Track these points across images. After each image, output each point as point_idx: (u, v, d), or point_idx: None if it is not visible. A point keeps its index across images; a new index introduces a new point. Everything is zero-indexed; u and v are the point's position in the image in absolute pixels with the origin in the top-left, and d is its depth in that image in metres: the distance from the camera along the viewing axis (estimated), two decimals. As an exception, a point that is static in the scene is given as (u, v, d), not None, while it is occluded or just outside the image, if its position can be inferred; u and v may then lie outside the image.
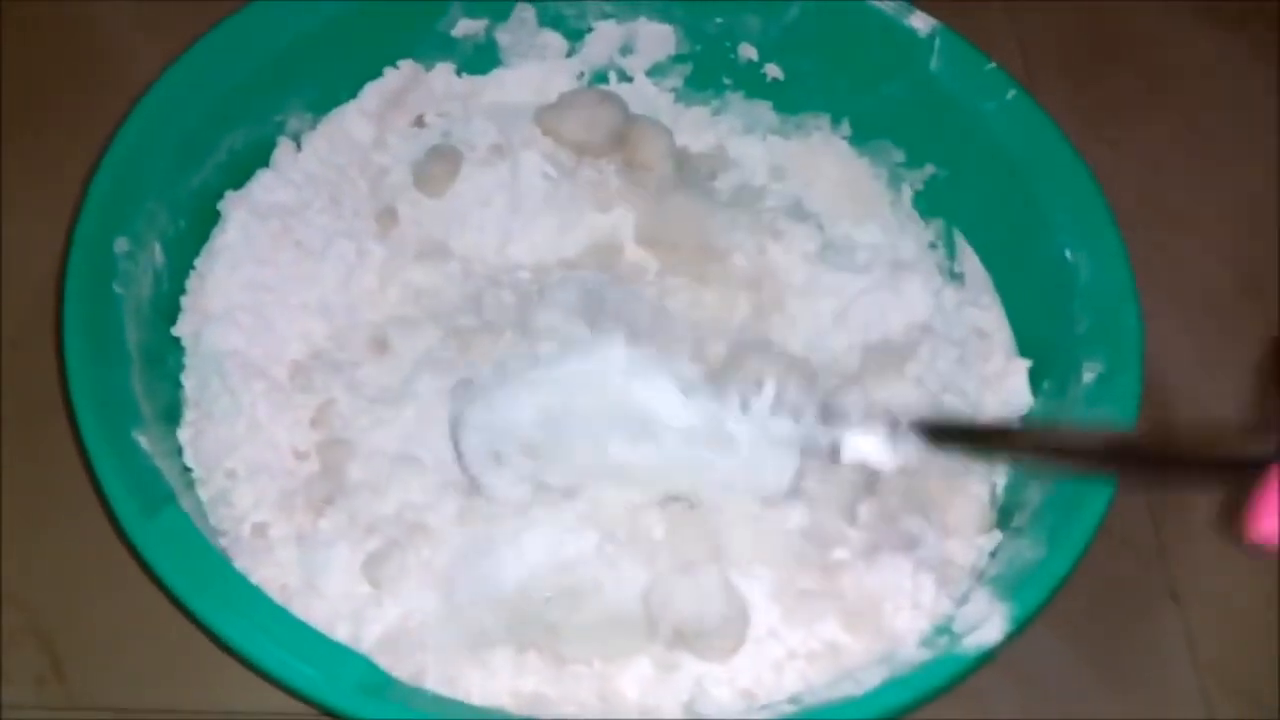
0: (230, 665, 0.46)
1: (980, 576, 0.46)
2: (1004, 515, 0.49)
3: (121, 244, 0.48)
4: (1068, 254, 0.52)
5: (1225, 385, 0.60)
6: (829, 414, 0.43)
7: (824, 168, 0.62)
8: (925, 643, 0.43)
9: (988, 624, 0.41)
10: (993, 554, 0.48)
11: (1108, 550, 0.53)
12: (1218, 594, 0.54)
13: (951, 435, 0.42)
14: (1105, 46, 0.72)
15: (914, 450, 0.41)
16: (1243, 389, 0.59)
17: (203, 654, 0.47)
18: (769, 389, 0.44)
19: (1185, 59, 0.72)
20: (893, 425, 0.41)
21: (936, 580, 0.46)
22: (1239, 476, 0.33)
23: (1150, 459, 0.38)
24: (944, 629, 0.43)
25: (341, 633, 0.43)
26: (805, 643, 0.44)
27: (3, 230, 0.60)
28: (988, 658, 0.41)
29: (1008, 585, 0.43)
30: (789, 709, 0.41)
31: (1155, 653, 0.52)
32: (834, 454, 0.43)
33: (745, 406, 0.44)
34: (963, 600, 0.44)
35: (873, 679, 0.41)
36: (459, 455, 0.46)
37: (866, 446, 0.42)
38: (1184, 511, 0.56)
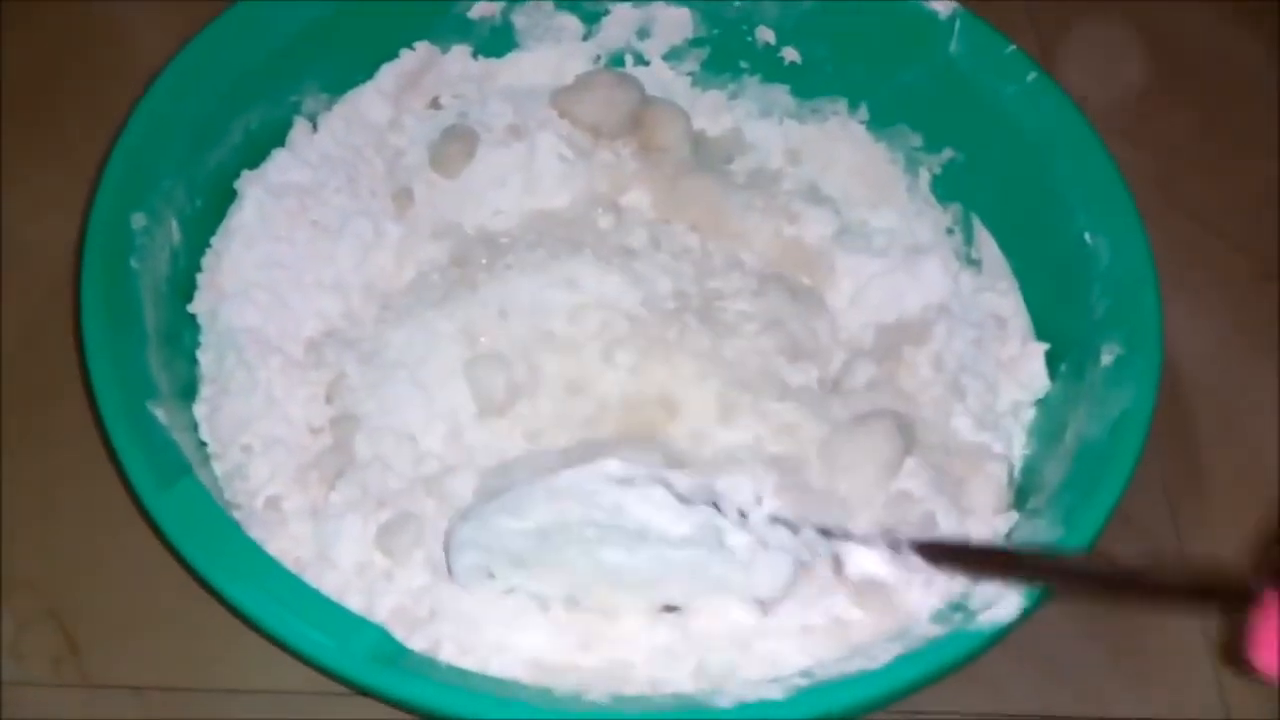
0: (245, 643, 0.47)
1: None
2: (1021, 496, 0.49)
3: (139, 220, 0.48)
4: (1087, 237, 0.52)
5: (1240, 372, 0.60)
6: (827, 530, 0.42)
7: (841, 152, 0.62)
8: (938, 619, 0.43)
9: (1003, 602, 0.41)
10: (1009, 534, 0.47)
11: (1127, 543, 0.53)
12: None
13: (949, 556, 0.41)
14: (1124, 38, 0.72)
15: (918, 564, 0.41)
16: (1258, 376, 0.59)
17: (217, 633, 0.48)
18: (768, 503, 0.43)
19: (1202, 50, 0.72)
20: (894, 544, 0.41)
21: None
22: (1233, 605, 0.33)
23: (1142, 589, 0.38)
24: (958, 606, 0.43)
25: (355, 603, 0.43)
26: (816, 618, 0.44)
27: (18, 210, 0.60)
28: (1001, 635, 0.41)
29: (1024, 564, 0.43)
30: (801, 682, 0.40)
31: (1173, 648, 0.52)
32: (836, 566, 0.43)
33: (743, 517, 0.43)
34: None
35: (885, 654, 0.41)
36: (449, 569, 0.44)
37: (869, 563, 0.42)
38: (1203, 505, 0.56)
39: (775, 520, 0.42)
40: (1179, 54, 0.72)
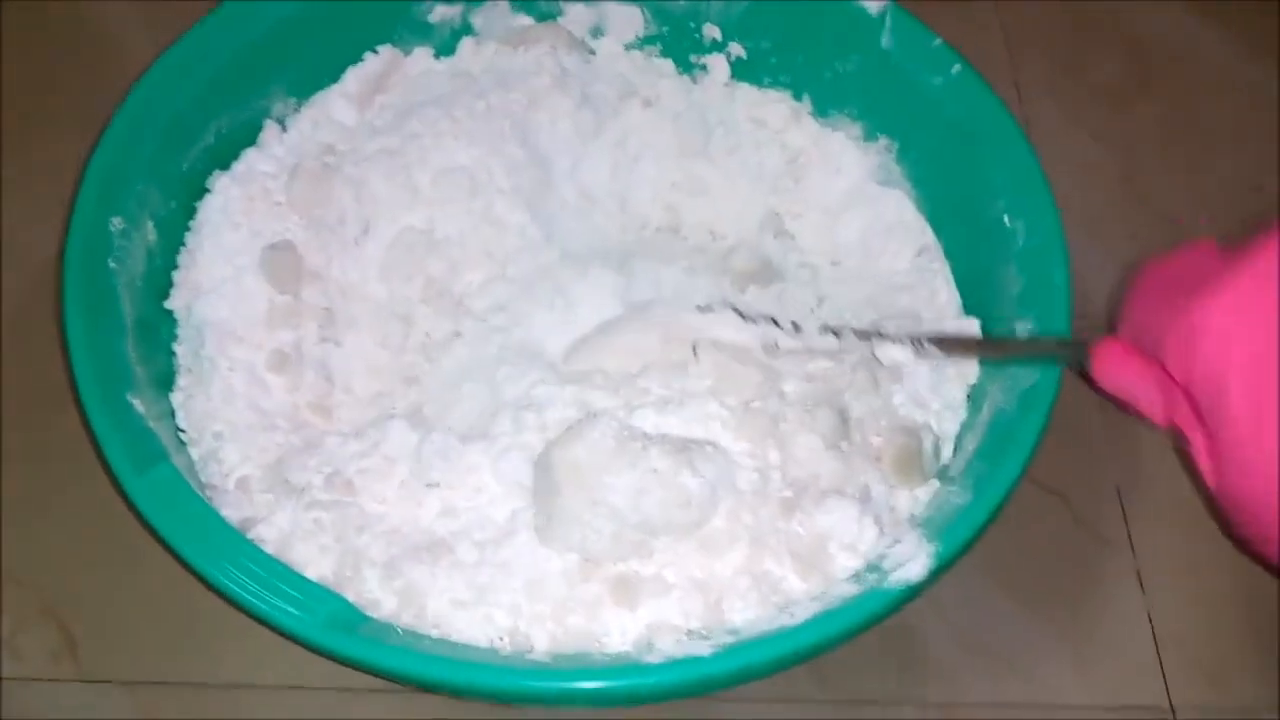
0: (241, 639, 0.50)
1: (912, 521, 0.49)
2: (943, 468, 0.53)
3: (116, 223, 0.52)
4: (1006, 219, 0.55)
5: None
6: (865, 332, 0.53)
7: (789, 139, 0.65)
8: (855, 579, 0.46)
9: (913, 562, 0.45)
10: (930, 502, 0.51)
11: (1076, 535, 0.57)
12: (1181, 579, 0.57)
13: (953, 345, 0.52)
14: (1090, 36, 0.74)
15: (934, 352, 0.52)
16: None
17: (213, 628, 0.51)
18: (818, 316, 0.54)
19: (1169, 48, 0.74)
20: (916, 341, 0.52)
21: (878, 526, 0.49)
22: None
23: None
24: (874, 567, 0.46)
25: (316, 574, 0.47)
26: (753, 578, 0.47)
27: (14, 215, 0.63)
28: (912, 593, 0.44)
29: (935, 527, 0.46)
30: (728, 639, 0.44)
31: (1119, 635, 0.55)
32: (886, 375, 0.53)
33: (797, 328, 0.52)
34: (893, 542, 0.47)
35: (805, 612, 0.44)
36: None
37: (898, 353, 0.52)
38: (1152, 499, 0.59)
39: (824, 327, 0.53)
40: (1147, 52, 0.74)
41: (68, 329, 0.48)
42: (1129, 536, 0.58)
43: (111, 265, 0.51)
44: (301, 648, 0.44)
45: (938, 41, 0.59)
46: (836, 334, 0.53)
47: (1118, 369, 0.42)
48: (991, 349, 0.53)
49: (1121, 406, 0.43)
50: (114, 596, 0.53)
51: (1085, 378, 0.44)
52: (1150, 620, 0.56)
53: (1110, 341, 0.43)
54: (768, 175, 0.63)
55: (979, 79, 0.58)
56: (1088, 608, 0.56)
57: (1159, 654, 0.55)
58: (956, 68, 0.58)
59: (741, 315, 0.53)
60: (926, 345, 0.51)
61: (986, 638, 0.54)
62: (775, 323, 0.53)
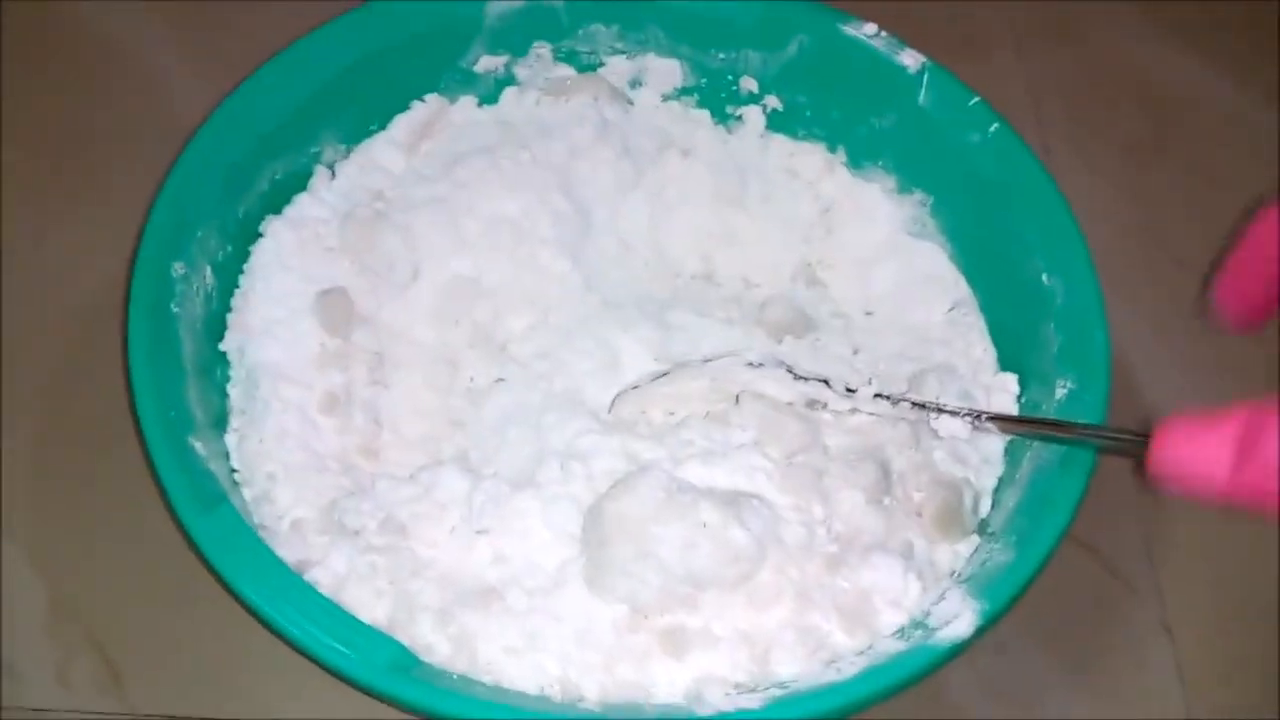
0: (284, 673, 0.51)
1: (956, 577, 0.50)
2: (982, 522, 0.54)
3: (178, 268, 0.53)
4: (1045, 278, 0.56)
5: None
6: (922, 404, 0.53)
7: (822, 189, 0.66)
8: (901, 635, 0.47)
9: (959, 620, 0.46)
10: (970, 556, 0.52)
11: (1104, 585, 0.58)
12: (1210, 630, 0.57)
13: (1010, 422, 0.53)
14: (1112, 91, 0.76)
15: (990, 428, 0.52)
16: None
17: (258, 663, 0.52)
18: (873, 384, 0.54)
19: (1190, 103, 0.75)
20: (973, 415, 0.53)
21: (921, 581, 0.50)
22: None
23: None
24: (919, 623, 0.47)
25: (370, 618, 0.48)
26: (799, 632, 0.48)
27: (64, 254, 0.64)
28: (958, 650, 0.45)
29: (979, 585, 0.47)
30: (777, 693, 0.45)
31: (1147, 685, 0.56)
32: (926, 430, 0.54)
33: (850, 392, 0.54)
34: (938, 599, 0.48)
35: (853, 667, 0.45)
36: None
37: (956, 427, 0.53)
38: (1181, 549, 0.59)
39: (878, 396, 0.53)
40: (1167, 103, 0.75)
41: (133, 373, 0.48)
42: (1158, 586, 0.58)
43: (174, 309, 0.52)
44: (353, 689, 0.45)
45: (975, 99, 0.60)
46: (890, 399, 0.54)
47: (1183, 446, 0.40)
48: (1051, 429, 0.52)
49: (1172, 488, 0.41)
50: (161, 631, 0.54)
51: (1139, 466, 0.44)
52: (1179, 670, 0.56)
53: (1175, 420, 0.41)
54: (801, 225, 0.65)
55: (1016, 137, 0.59)
56: (1115, 657, 0.56)
57: (1187, 705, 0.55)
58: (994, 126, 0.59)
59: (794, 374, 0.54)
60: (984, 422, 0.52)
61: (1011, 684, 0.55)
62: (828, 384, 0.54)
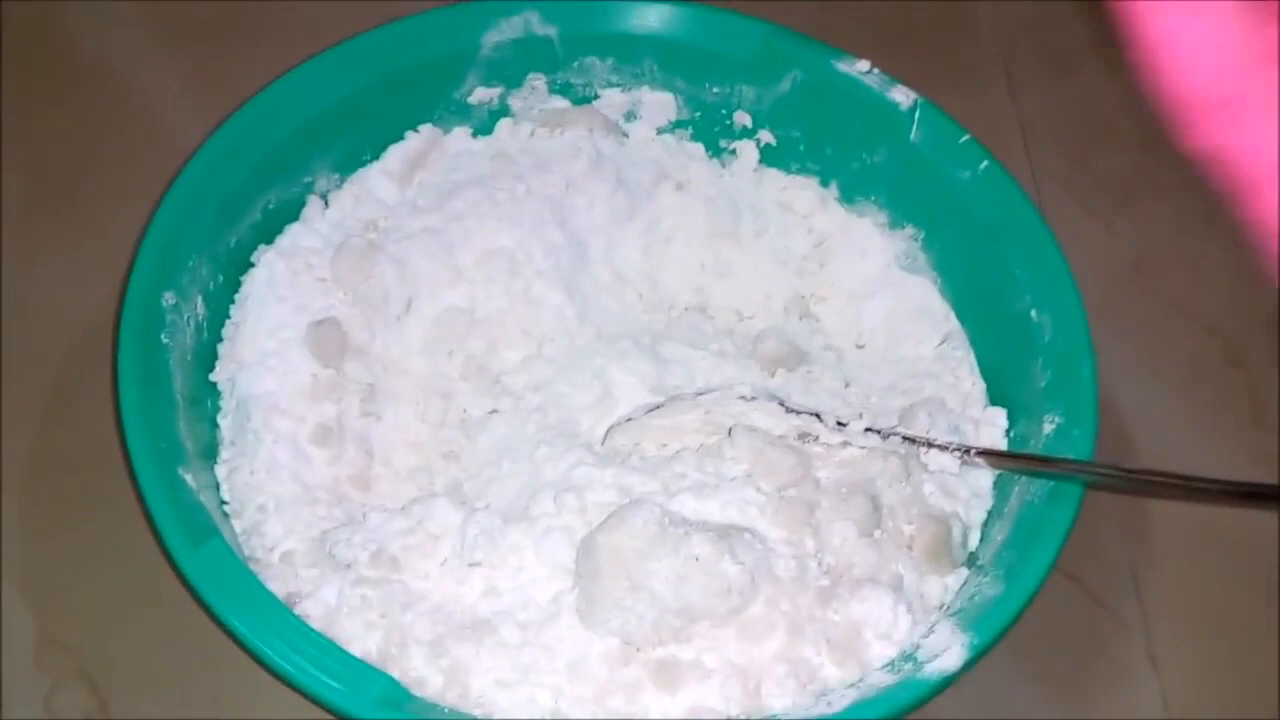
0: (271, 705, 0.51)
1: (945, 610, 0.50)
2: (971, 555, 0.54)
3: (169, 298, 0.53)
4: (1033, 314, 0.56)
5: (1207, 453, 0.63)
6: (912, 438, 0.54)
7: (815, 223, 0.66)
8: (891, 668, 0.47)
9: (948, 653, 0.46)
10: (960, 589, 0.52)
11: (1090, 616, 0.58)
12: (1195, 660, 0.58)
13: (1000, 457, 0.53)
14: (1102, 127, 0.76)
15: (979, 462, 0.53)
16: (1223, 458, 0.63)
17: (244, 694, 0.52)
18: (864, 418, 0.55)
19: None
20: (961, 449, 0.53)
21: (911, 614, 0.50)
22: None
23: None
24: (909, 656, 0.47)
25: (361, 651, 0.47)
26: (790, 664, 0.48)
27: (50, 282, 0.64)
28: (947, 683, 0.45)
29: (968, 618, 0.47)
30: (767, 728, 0.45)
31: (1133, 715, 0.56)
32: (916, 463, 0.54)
33: (841, 426, 0.54)
34: (928, 631, 0.48)
35: (842, 701, 0.45)
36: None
37: (945, 461, 0.53)
38: (1166, 580, 0.59)
39: (869, 430, 0.54)
40: (1156, 143, 0.75)
41: (122, 404, 0.48)
42: (1144, 618, 0.59)
43: (164, 340, 0.52)
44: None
45: (966, 137, 0.61)
46: (880, 434, 0.54)
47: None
48: (1039, 464, 0.52)
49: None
50: (148, 661, 0.54)
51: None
52: (1165, 702, 0.56)
53: None
54: (794, 258, 0.65)
55: (1006, 175, 0.59)
56: (1101, 689, 0.57)
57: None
58: (984, 164, 0.60)
59: (786, 407, 0.54)
60: (974, 457, 0.53)
61: (997, 715, 0.55)
62: (819, 418, 0.54)
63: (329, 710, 0.44)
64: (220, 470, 0.53)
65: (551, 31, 0.63)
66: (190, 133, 0.59)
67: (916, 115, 0.61)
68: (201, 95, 0.71)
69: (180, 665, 0.54)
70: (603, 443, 0.55)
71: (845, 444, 0.54)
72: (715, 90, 0.66)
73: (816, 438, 0.54)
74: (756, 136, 0.66)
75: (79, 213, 0.67)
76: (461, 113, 0.65)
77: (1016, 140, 0.76)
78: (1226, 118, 0.32)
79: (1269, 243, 0.32)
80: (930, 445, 0.53)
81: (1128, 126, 0.76)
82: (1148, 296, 0.70)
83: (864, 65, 0.62)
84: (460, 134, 0.65)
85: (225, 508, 0.52)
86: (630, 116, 0.67)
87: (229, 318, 0.57)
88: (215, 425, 0.55)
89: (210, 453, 0.54)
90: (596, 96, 0.66)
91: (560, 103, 0.66)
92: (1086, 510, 0.59)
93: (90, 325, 0.61)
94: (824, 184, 0.66)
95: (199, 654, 0.53)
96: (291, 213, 0.60)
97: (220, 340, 0.56)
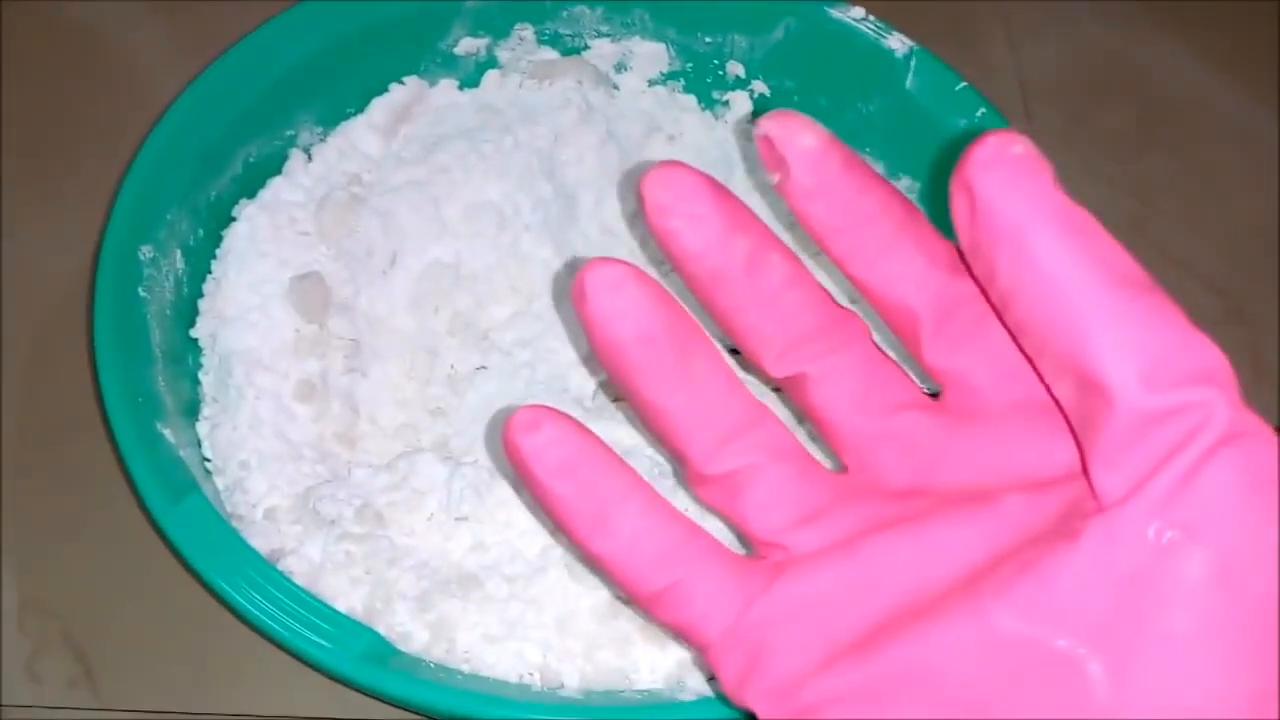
0: (260, 669, 0.50)
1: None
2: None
3: (146, 251, 0.52)
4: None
5: None
6: None
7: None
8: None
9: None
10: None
11: None
12: None
13: None
14: (1102, 82, 0.75)
15: None
16: None
17: (232, 658, 0.51)
18: None
19: (1180, 95, 0.75)
20: None
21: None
22: None
23: None
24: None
25: (346, 607, 0.47)
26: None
27: (32, 243, 0.63)
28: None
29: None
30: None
31: None
32: None
33: None
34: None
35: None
36: None
37: None
38: None
39: None
40: (1157, 98, 0.74)
41: (99, 359, 0.47)
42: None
43: (142, 294, 0.51)
44: (328, 679, 0.44)
45: (962, 85, 0.59)
46: None
47: None
48: None
49: None
50: (133, 625, 0.53)
51: None
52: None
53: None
54: (786, 210, 0.64)
55: (1004, 122, 0.58)
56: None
57: None
58: (981, 111, 0.59)
59: None
60: None
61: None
62: None
63: (314, 667, 0.44)
64: (202, 427, 0.52)
65: (539, -22, 0.62)
66: (174, 90, 0.58)
67: (912, 63, 0.60)
68: (185, 52, 0.69)
69: (167, 629, 0.53)
70: (593, 398, 0.54)
71: None
72: (707, 40, 0.64)
73: None
74: (750, 87, 0.65)
75: (60, 172, 0.65)
76: (448, 64, 0.64)
77: (1015, 95, 0.75)
78: None
79: None
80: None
81: (1128, 81, 0.75)
82: (1148, 253, 0.67)
83: (858, 12, 0.61)
84: (446, 86, 0.64)
85: (207, 465, 0.51)
86: (621, 68, 0.66)
87: (210, 273, 0.56)
88: (197, 382, 0.54)
89: (192, 410, 0.53)
90: (586, 47, 0.65)
91: (549, 54, 0.65)
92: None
93: (71, 285, 0.60)
94: (818, 135, 0.65)
95: (186, 617, 0.52)
96: (274, 166, 0.59)
97: (201, 296, 0.55)
